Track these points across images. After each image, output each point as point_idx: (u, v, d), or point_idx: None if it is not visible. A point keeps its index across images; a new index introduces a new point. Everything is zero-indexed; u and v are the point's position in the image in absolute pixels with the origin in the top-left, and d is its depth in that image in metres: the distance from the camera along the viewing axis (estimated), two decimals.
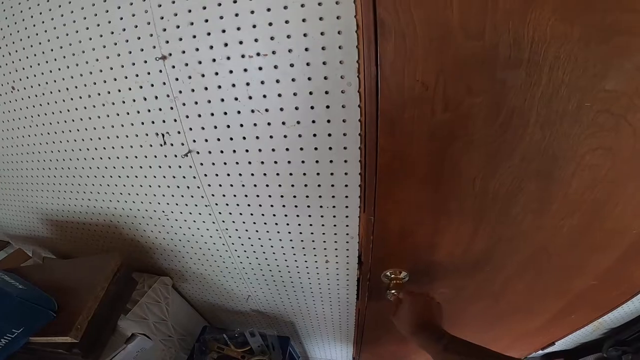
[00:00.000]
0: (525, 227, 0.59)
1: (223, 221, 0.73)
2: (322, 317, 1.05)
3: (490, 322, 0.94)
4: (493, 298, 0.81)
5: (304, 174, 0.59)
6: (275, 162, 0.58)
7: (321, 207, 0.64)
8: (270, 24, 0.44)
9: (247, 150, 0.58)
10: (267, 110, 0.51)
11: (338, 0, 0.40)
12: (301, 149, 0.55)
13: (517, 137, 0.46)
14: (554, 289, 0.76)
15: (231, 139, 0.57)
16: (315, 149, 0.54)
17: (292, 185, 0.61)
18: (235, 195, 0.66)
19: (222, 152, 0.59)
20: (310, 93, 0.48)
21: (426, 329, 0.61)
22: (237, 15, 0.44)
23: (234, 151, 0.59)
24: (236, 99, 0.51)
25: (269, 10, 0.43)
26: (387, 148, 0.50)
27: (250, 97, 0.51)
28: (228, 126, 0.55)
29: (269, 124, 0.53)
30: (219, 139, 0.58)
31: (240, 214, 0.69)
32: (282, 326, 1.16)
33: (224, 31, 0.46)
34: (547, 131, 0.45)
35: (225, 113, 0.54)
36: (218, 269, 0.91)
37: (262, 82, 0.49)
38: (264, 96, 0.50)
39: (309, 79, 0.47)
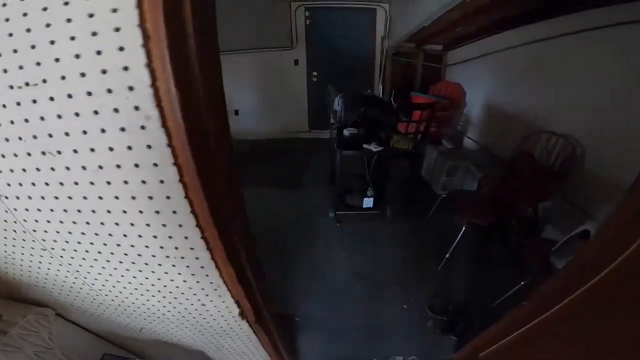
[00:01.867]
0: None
1: (70, 264, 0.63)
2: (232, 350, 0.98)
3: None
4: None
5: (147, 224, 0.50)
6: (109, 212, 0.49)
7: (174, 257, 0.56)
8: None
9: (70, 197, 0.49)
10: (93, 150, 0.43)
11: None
12: (133, 197, 0.47)
13: None
14: None
15: (47, 184, 0.48)
16: (150, 197, 0.46)
17: (140, 236, 0.53)
18: (67, 242, 0.57)
19: (43, 198, 0.50)
20: (130, 148, 0.41)
21: None
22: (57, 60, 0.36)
23: (56, 197, 0.49)
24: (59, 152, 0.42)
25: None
26: None
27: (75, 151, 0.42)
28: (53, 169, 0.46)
29: (82, 168, 0.44)
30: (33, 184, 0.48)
31: (84, 258, 0.60)
32: (192, 353, 1.08)
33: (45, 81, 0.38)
34: None
35: (44, 153, 0.44)
36: (97, 310, 0.81)
37: (85, 132, 0.41)
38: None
39: (122, 129, 0.40)
